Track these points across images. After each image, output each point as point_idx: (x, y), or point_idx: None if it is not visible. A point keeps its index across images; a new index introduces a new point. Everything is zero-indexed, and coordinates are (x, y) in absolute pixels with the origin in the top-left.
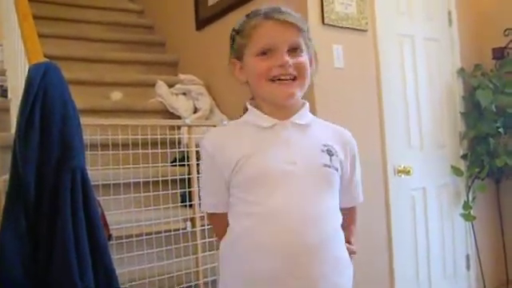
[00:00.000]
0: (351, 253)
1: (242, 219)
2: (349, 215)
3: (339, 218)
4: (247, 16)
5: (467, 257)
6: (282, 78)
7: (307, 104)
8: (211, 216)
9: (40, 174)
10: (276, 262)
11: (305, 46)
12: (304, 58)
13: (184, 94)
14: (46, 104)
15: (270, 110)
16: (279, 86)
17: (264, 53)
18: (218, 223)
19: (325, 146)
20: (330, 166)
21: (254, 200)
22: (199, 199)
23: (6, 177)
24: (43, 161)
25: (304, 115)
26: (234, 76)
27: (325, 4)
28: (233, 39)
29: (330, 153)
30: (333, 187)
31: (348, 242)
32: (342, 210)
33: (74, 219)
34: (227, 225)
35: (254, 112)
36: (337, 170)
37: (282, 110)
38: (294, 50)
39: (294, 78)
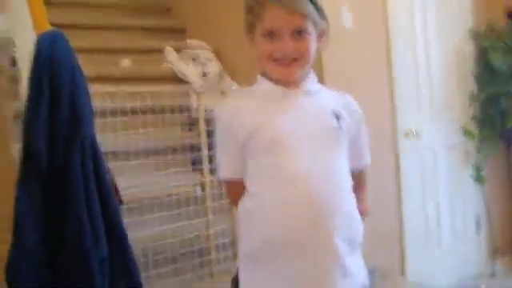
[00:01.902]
0: (363, 213)
1: (262, 182)
2: (358, 177)
3: (349, 176)
4: None
5: (477, 219)
6: (283, 60)
7: (313, 72)
8: (228, 183)
9: (51, 143)
10: (292, 223)
11: (312, 25)
12: (307, 41)
13: (193, 59)
14: (55, 73)
15: (278, 80)
16: (279, 66)
17: (269, 35)
18: (235, 190)
19: (332, 110)
20: (338, 128)
21: (272, 163)
22: (209, 164)
23: (20, 145)
24: (54, 130)
25: (311, 83)
26: (250, 46)
27: None
28: (245, 14)
29: (337, 116)
30: (343, 148)
31: (360, 203)
32: (352, 171)
33: (86, 186)
34: (243, 191)
35: (264, 82)
36: (344, 132)
37: (289, 81)
38: (298, 33)
39: (295, 59)
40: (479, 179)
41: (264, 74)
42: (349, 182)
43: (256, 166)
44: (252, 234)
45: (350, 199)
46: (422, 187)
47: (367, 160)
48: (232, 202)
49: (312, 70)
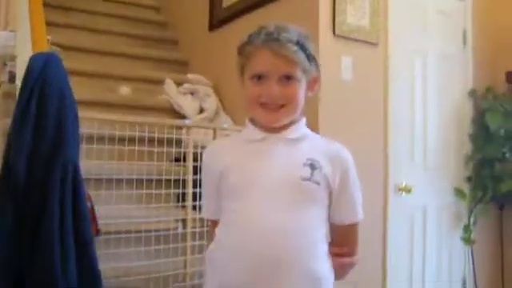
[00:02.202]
0: (347, 266)
1: (223, 227)
2: (345, 233)
3: (319, 232)
4: (249, 36)
5: (463, 280)
6: (269, 105)
7: (303, 120)
8: (210, 223)
9: (31, 166)
10: (245, 273)
11: (301, 72)
12: (295, 87)
13: (191, 93)
14: (44, 95)
15: (264, 126)
16: (265, 111)
17: (258, 78)
18: (213, 231)
19: (309, 159)
20: (309, 179)
21: (232, 208)
22: (193, 201)
23: None
24: (35, 152)
25: (296, 130)
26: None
27: (337, 15)
28: (237, 55)
29: (312, 166)
30: (312, 201)
31: (347, 256)
32: (337, 226)
33: (62, 213)
34: None
35: (249, 127)
36: (318, 183)
37: (274, 127)
38: (286, 79)
39: (283, 105)
40: (468, 241)
41: (252, 119)
42: (315, 236)
43: (222, 209)
44: (208, 279)
45: (314, 256)
46: (410, 245)
47: (356, 216)
48: (210, 241)
49: (303, 117)
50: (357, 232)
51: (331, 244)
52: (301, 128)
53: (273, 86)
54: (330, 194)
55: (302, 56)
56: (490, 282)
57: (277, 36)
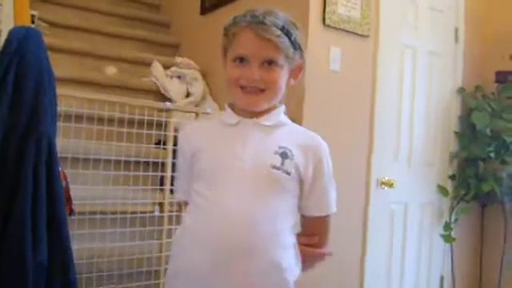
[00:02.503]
0: (318, 256)
1: (190, 209)
2: (316, 225)
3: (285, 222)
4: (234, 18)
5: (441, 278)
6: (249, 88)
7: (282, 107)
8: (184, 204)
9: (5, 139)
10: (208, 257)
11: (284, 58)
12: (276, 73)
13: (179, 77)
14: (21, 68)
15: (241, 110)
16: (245, 94)
17: (240, 60)
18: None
19: (281, 147)
20: (279, 168)
21: (200, 191)
22: (171, 184)
23: None
24: (11, 126)
25: (273, 117)
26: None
27: (327, 4)
28: (222, 36)
29: (283, 155)
30: (280, 190)
31: (317, 247)
32: (308, 218)
33: (35, 189)
34: None
35: (227, 110)
36: (288, 173)
37: (252, 112)
38: (268, 64)
39: (263, 90)
40: (448, 238)
41: (232, 104)
42: (280, 225)
43: (192, 192)
44: (171, 259)
45: (277, 245)
46: (390, 240)
47: (328, 209)
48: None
49: (282, 105)
50: (328, 224)
51: (302, 234)
52: (278, 115)
53: (254, 69)
54: (302, 184)
55: (286, 42)
56: (468, 279)
57: (262, 19)
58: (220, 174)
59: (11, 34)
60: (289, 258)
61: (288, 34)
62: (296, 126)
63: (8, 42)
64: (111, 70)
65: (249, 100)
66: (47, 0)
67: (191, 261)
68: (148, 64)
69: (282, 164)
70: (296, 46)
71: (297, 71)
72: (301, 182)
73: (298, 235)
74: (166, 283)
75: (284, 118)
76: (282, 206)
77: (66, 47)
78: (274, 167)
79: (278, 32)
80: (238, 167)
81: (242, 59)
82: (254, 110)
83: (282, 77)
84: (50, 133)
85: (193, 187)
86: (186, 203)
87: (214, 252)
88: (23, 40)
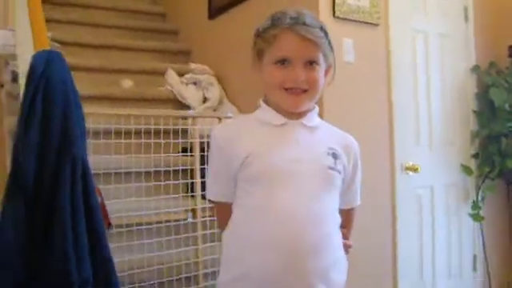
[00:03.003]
0: (348, 247)
1: (246, 212)
2: (347, 216)
3: (338, 219)
4: (272, 19)
5: (474, 257)
6: (294, 90)
7: (317, 108)
8: (216, 205)
9: (40, 162)
10: (271, 259)
11: (323, 57)
12: (318, 72)
13: (194, 83)
14: (48, 92)
15: (281, 109)
16: (290, 95)
17: (281, 62)
18: (222, 213)
19: (330, 149)
20: (333, 169)
21: (258, 195)
22: (201, 190)
23: None
24: (43, 149)
25: (313, 118)
26: (255, 72)
27: None
28: (256, 38)
29: (334, 156)
30: (334, 189)
31: (346, 238)
32: (341, 210)
33: (73, 208)
34: (230, 216)
35: (266, 109)
36: (340, 172)
37: (293, 113)
38: (309, 64)
39: (305, 90)
40: (477, 217)
41: (267, 101)
42: (337, 222)
43: (242, 195)
44: (230, 264)
45: (336, 242)
46: (419, 224)
47: (358, 201)
48: (219, 225)
49: (316, 106)
50: (354, 215)
51: None
52: (316, 116)
53: (299, 70)
54: (343, 182)
55: (325, 41)
56: (500, 257)
57: (303, 20)
58: (278, 176)
59: (35, 58)
60: (343, 251)
61: (326, 34)
62: (329, 124)
63: (33, 67)
64: (127, 83)
65: (293, 101)
66: (56, 20)
67: (255, 263)
68: (162, 73)
69: (335, 164)
70: (331, 45)
71: (328, 69)
72: (342, 180)
73: None
74: None
75: (319, 119)
76: (335, 203)
77: (80, 65)
78: (330, 167)
79: (320, 33)
80: (296, 169)
81: (283, 61)
82: (298, 110)
83: (322, 76)
84: (82, 152)
85: (244, 189)
86: (223, 205)
87: (279, 253)
88: (47, 63)
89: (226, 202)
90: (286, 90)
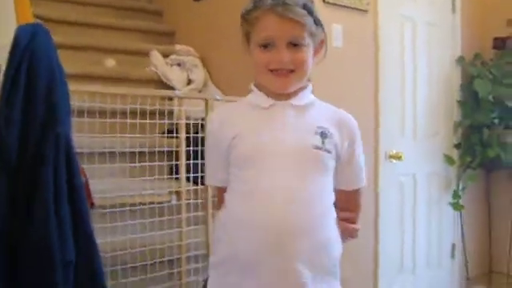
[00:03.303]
0: (354, 231)
1: (234, 195)
2: (350, 198)
3: (330, 199)
4: (254, 1)
5: (452, 246)
6: (280, 71)
7: (310, 86)
8: (217, 189)
9: (23, 138)
10: (256, 241)
11: (309, 36)
12: (304, 52)
13: (178, 64)
14: (33, 67)
15: (271, 92)
16: (276, 77)
17: (265, 45)
18: (219, 197)
19: (319, 127)
20: (320, 148)
21: (243, 177)
22: (186, 172)
23: None
24: (27, 124)
25: (304, 97)
26: (247, 55)
27: None
28: (241, 21)
29: (323, 135)
30: (323, 169)
31: (352, 222)
32: (343, 192)
33: (56, 186)
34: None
35: (256, 92)
36: (329, 152)
37: (282, 94)
38: (294, 44)
39: (292, 71)
40: (457, 207)
41: (258, 85)
42: (327, 203)
43: (232, 179)
44: (220, 245)
45: (325, 223)
46: (400, 211)
47: (361, 182)
48: (217, 207)
49: (309, 84)
50: (360, 197)
51: (337, 208)
52: (308, 94)
53: (282, 51)
54: (338, 160)
55: (309, 19)
56: (478, 245)
57: (283, 0)
58: (263, 157)
59: (19, 31)
60: (335, 235)
61: (310, 12)
62: (323, 103)
63: (16, 39)
64: (110, 63)
65: (280, 82)
66: None
67: (241, 245)
68: (145, 54)
69: (323, 143)
70: (318, 22)
71: (318, 47)
72: (338, 158)
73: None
74: (211, 269)
75: (313, 97)
76: (326, 183)
77: (63, 42)
78: (316, 147)
79: (302, 11)
80: (280, 150)
81: (267, 43)
82: (286, 91)
83: (309, 55)
84: (66, 131)
85: (233, 173)
86: (222, 189)
87: (264, 234)
88: (31, 37)
89: (221, 186)
90: (272, 71)
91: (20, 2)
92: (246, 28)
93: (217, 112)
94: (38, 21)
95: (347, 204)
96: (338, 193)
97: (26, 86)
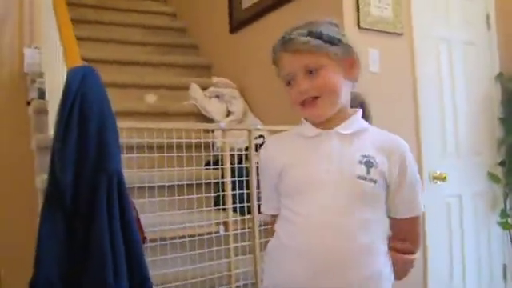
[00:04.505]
0: (407, 262)
1: (282, 225)
2: (406, 227)
3: (376, 230)
4: (273, 47)
5: (504, 266)
6: (305, 101)
7: (359, 112)
8: (270, 217)
9: (77, 177)
10: (297, 272)
11: (325, 58)
12: (322, 76)
13: (217, 96)
14: (84, 107)
15: (318, 124)
16: (305, 108)
17: (288, 82)
18: (273, 225)
19: (364, 156)
20: (365, 178)
21: (291, 207)
22: (232, 203)
23: (43, 177)
24: (80, 164)
25: (350, 125)
26: None
27: (360, 7)
28: (273, 63)
29: (368, 164)
30: (369, 199)
31: (409, 252)
32: (395, 220)
33: (110, 222)
34: None
35: (303, 122)
36: (375, 181)
37: (327, 122)
38: (309, 71)
39: (317, 97)
40: (506, 226)
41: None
42: (373, 235)
43: (281, 207)
44: (267, 274)
45: (372, 255)
46: (448, 233)
47: (414, 211)
48: (271, 235)
49: (358, 111)
50: (418, 226)
51: (392, 238)
52: (355, 122)
53: (300, 81)
54: (388, 189)
55: (316, 42)
56: None
57: (288, 36)
58: (309, 188)
59: (69, 74)
60: (384, 266)
61: (316, 35)
62: (377, 129)
63: (68, 82)
64: (151, 98)
65: (310, 111)
66: (83, 38)
67: (288, 275)
68: (185, 88)
69: (368, 173)
70: (334, 41)
71: (348, 68)
72: (387, 187)
73: (390, 239)
74: None
75: (363, 124)
76: (373, 214)
77: (104, 81)
78: (360, 177)
79: (304, 39)
80: (325, 180)
81: (289, 80)
82: (322, 118)
83: (332, 77)
84: (117, 167)
85: (282, 203)
86: (275, 217)
87: (311, 264)
88: (82, 79)
89: (275, 214)
90: (301, 104)
91: (69, 45)
92: (277, 71)
93: (266, 145)
94: (85, 63)
95: (403, 234)
96: (393, 222)
97: (78, 126)
